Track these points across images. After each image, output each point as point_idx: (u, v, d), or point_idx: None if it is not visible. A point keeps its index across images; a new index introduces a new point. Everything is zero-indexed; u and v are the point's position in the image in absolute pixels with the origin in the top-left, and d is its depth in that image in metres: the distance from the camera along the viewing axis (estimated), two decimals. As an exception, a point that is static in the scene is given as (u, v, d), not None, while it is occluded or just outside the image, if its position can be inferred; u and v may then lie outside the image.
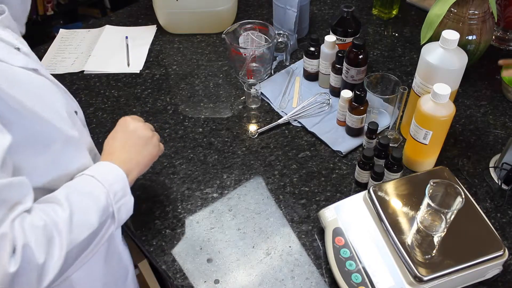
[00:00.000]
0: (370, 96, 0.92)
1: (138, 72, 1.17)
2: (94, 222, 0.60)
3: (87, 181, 0.63)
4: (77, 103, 0.76)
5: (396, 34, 1.26)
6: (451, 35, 0.80)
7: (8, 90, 0.55)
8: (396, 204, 0.74)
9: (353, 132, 0.96)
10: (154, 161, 0.76)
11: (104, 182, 0.63)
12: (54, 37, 1.32)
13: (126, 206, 0.66)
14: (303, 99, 1.05)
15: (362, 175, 0.85)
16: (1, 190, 0.51)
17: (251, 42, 1.11)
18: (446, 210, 0.68)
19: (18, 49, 0.65)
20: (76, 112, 0.73)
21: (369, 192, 0.76)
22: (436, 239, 0.70)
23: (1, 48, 0.61)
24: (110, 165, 0.67)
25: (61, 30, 1.34)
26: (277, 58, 1.18)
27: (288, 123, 1.01)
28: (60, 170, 0.64)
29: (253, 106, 1.06)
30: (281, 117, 1.02)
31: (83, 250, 0.59)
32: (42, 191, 0.61)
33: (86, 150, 0.70)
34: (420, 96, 0.84)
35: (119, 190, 0.65)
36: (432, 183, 0.69)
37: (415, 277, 0.66)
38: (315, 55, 1.05)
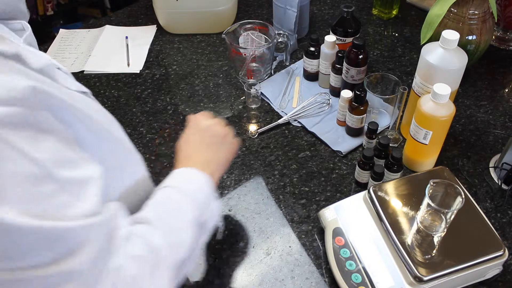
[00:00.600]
0: (370, 96, 0.92)
1: (138, 72, 1.17)
2: (188, 239, 0.55)
3: (173, 196, 0.58)
4: None
5: (396, 34, 1.26)
6: (451, 35, 0.80)
7: (83, 120, 0.48)
8: (396, 204, 0.74)
9: (353, 132, 0.96)
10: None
11: (189, 193, 0.58)
12: (54, 37, 1.32)
13: (213, 213, 0.61)
14: (303, 99, 1.05)
15: (362, 175, 0.85)
16: (106, 223, 0.45)
17: (251, 42, 1.11)
18: (446, 210, 0.68)
19: (59, 68, 0.56)
20: None
21: (369, 192, 0.76)
22: (436, 239, 0.70)
23: (55, 71, 0.52)
24: (191, 172, 0.61)
25: (61, 30, 1.34)
26: (277, 58, 1.18)
27: (288, 123, 1.01)
28: (130, 192, 0.59)
29: (253, 106, 1.06)
30: (281, 117, 1.02)
31: (179, 269, 0.54)
32: None
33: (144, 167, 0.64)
34: (420, 96, 0.84)
35: (204, 198, 0.59)
36: (432, 183, 0.69)
37: (415, 277, 0.66)
38: (315, 55, 1.05)
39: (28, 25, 0.58)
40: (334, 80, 1.03)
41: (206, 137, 0.68)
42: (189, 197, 0.58)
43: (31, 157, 0.38)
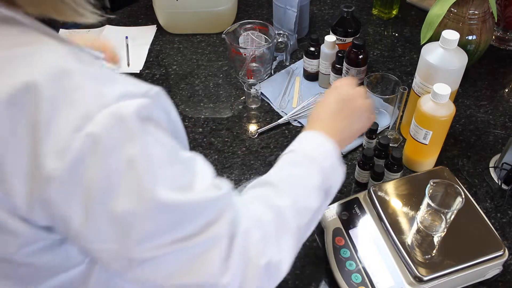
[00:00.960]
0: (370, 96, 0.92)
1: (138, 72, 1.17)
2: (313, 204, 0.56)
3: (299, 160, 0.58)
4: None
5: (396, 34, 1.26)
6: (451, 35, 0.80)
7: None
8: (396, 204, 0.74)
9: (353, 132, 0.96)
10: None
11: (316, 159, 0.58)
12: (54, 37, 1.32)
13: (337, 180, 0.61)
14: (303, 99, 1.05)
15: (362, 175, 0.85)
16: (230, 191, 0.48)
17: (251, 42, 1.11)
18: (446, 210, 0.68)
19: None
20: None
21: (369, 192, 0.76)
22: (436, 239, 0.70)
23: None
24: (319, 137, 0.61)
25: (61, 30, 1.34)
26: (277, 58, 1.18)
27: (288, 123, 1.01)
28: None
29: (253, 106, 1.06)
30: (281, 117, 1.02)
31: (303, 234, 0.55)
32: None
33: None
34: (420, 96, 0.84)
35: (330, 164, 0.59)
36: (432, 183, 0.69)
37: (415, 277, 0.66)
38: (315, 55, 1.05)
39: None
40: (334, 80, 1.03)
41: (346, 107, 0.66)
42: (316, 163, 0.58)
43: (163, 142, 0.42)
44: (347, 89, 0.68)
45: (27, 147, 0.36)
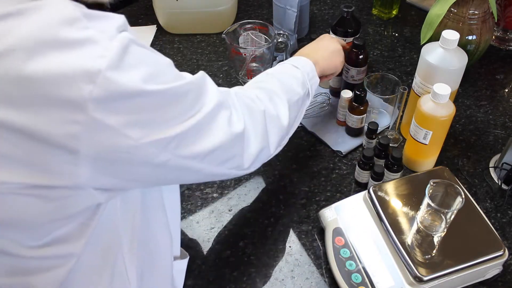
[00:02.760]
0: (370, 96, 0.92)
1: (138, 72, 1.17)
2: (299, 91, 0.73)
3: (284, 66, 0.77)
4: None
5: (396, 34, 1.26)
6: (451, 35, 0.80)
7: None
8: (396, 204, 0.74)
9: (353, 132, 0.96)
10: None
11: (298, 65, 0.77)
12: (54, 37, 1.32)
13: (314, 84, 0.79)
14: (303, 99, 1.05)
15: (362, 175, 0.85)
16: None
17: (251, 42, 1.11)
18: (446, 210, 0.68)
19: None
20: None
21: (369, 192, 0.76)
22: (436, 239, 0.70)
23: None
24: (299, 57, 0.81)
25: (61, 30, 1.34)
26: (277, 58, 1.17)
27: (288, 123, 1.01)
28: None
29: (253, 106, 1.06)
30: (281, 117, 1.02)
31: (295, 116, 0.73)
32: None
33: None
34: (420, 96, 0.84)
35: (310, 71, 0.78)
36: (432, 183, 0.69)
37: (415, 277, 0.66)
38: (315, 55, 1.05)
39: None
40: (334, 80, 1.03)
41: (322, 47, 0.87)
42: (299, 69, 0.76)
43: (157, 56, 0.51)
44: (327, 39, 0.90)
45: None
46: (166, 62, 0.51)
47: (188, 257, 0.74)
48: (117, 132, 0.43)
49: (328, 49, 0.87)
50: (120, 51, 0.43)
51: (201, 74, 0.56)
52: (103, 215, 0.50)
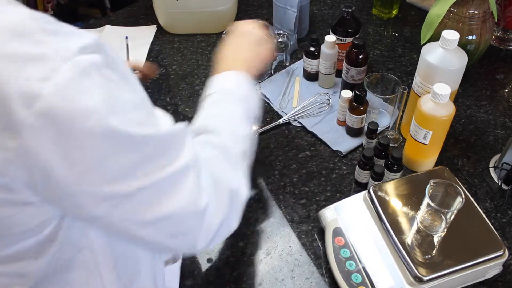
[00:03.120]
0: (370, 96, 0.92)
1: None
2: (247, 131, 0.64)
3: (219, 98, 0.66)
4: None
5: (396, 34, 1.26)
6: (451, 35, 0.80)
7: None
8: (396, 204, 0.74)
9: (353, 132, 0.96)
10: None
11: (232, 91, 0.66)
12: (54, 37, 1.32)
13: (255, 103, 0.69)
14: (303, 99, 1.05)
15: (362, 175, 0.85)
16: (187, 129, 0.52)
17: (251, 42, 1.11)
18: (446, 210, 0.68)
19: None
20: None
21: (369, 192, 0.76)
22: (436, 239, 0.70)
23: None
24: (229, 73, 0.69)
25: (61, 30, 1.34)
26: (277, 58, 1.17)
27: (288, 123, 1.01)
28: None
29: (253, 106, 1.06)
30: (281, 117, 1.02)
31: (247, 159, 0.63)
32: None
33: None
34: (420, 96, 0.84)
35: (246, 92, 0.67)
36: (432, 183, 0.69)
37: (415, 277, 0.66)
38: (315, 55, 1.05)
39: None
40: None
41: (243, 40, 0.75)
42: (233, 95, 0.66)
43: (123, 87, 0.43)
44: (242, 26, 0.77)
45: None
46: (136, 98, 0.44)
47: (181, 260, 0.73)
48: (51, 168, 0.38)
49: (251, 42, 0.75)
50: (73, 75, 0.37)
51: (181, 127, 0.49)
52: (70, 232, 0.46)
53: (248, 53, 0.73)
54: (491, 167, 0.90)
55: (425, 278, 0.65)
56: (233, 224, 0.57)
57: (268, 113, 1.04)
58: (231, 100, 0.65)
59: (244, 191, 0.58)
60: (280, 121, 1.00)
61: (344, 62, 0.99)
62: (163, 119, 0.49)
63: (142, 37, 1.28)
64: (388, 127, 0.96)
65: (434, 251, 0.68)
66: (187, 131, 0.51)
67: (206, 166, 0.52)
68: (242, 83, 0.68)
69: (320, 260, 0.77)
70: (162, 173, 0.44)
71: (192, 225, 0.49)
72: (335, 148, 0.94)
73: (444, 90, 0.76)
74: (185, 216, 0.48)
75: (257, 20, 0.79)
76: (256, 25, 0.77)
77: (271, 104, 1.06)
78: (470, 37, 0.99)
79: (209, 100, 0.66)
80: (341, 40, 1.05)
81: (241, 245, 0.80)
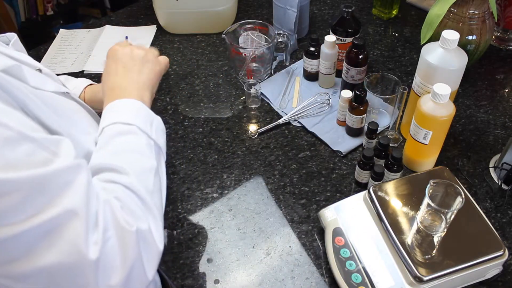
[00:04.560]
0: (370, 96, 0.92)
1: (138, 72, 1.17)
2: (152, 162, 0.58)
3: (116, 131, 0.58)
4: None
5: (396, 34, 1.26)
6: (451, 35, 0.80)
7: (49, 115, 0.53)
8: (396, 204, 0.74)
9: (353, 132, 0.96)
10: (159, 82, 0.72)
11: (130, 121, 0.59)
12: (54, 37, 1.32)
13: (159, 129, 0.63)
14: (303, 99, 1.05)
15: (362, 175, 0.85)
16: (85, 166, 0.48)
17: (251, 42, 1.11)
18: (446, 210, 0.68)
19: (40, 70, 0.63)
20: None
21: (369, 192, 0.76)
22: (436, 239, 0.70)
23: (30, 73, 0.57)
24: (118, 102, 0.62)
25: (61, 30, 1.34)
26: (277, 58, 1.18)
27: (288, 123, 1.01)
28: None
29: (253, 106, 1.06)
30: (281, 117, 1.02)
31: (158, 193, 0.57)
32: None
33: None
34: (420, 96, 0.84)
35: (143, 120, 0.60)
36: (432, 183, 0.69)
37: (415, 277, 0.66)
38: (315, 55, 1.05)
39: (13, 34, 0.64)
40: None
41: (126, 63, 0.67)
42: (130, 126, 0.58)
43: (3, 124, 0.41)
44: (119, 50, 0.69)
45: None
46: (6, 135, 0.41)
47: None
48: None
49: (136, 63, 0.67)
50: None
51: (69, 165, 0.45)
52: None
53: (135, 75, 0.66)
54: (491, 167, 0.90)
55: (425, 278, 0.65)
56: (147, 275, 0.50)
57: (268, 113, 1.04)
58: (128, 132, 0.58)
59: (157, 236, 0.52)
60: (280, 121, 1.00)
61: (344, 62, 0.99)
62: (60, 154, 0.45)
63: (142, 37, 1.28)
64: (388, 127, 0.96)
65: (434, 251, 0.68)
66: (80, 169, 0.46)
67: (107, 208, 0.47)
68: (136, 111, 0.61)
69: (320, 260, 0.77)
70: (34, 221, 0.40)
71: (82, 280, 0.43)
72: (335, 148, 0.94)
73: (444, 90, 0.76)
74: (69, 269, 0.42)
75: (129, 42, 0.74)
76: (135, 46, 0.71)
77: (271, 104, 1.06)
78: (470, 37, 0.99)
79: (107, 133, 0.58)
80: (341, 40, 1.05)
81: (241, 245, 0.80)
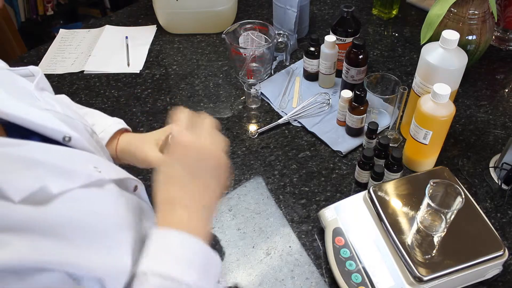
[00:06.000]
0: (370, 96, 0.92)
1: (138, 72, 1.17)
2: None
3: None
4: None
5: (396, 34, 1.26)
6: (451, 35, 0.80)
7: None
8: (396, 204, 0.74)
9: (353, 132, 0.96)
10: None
11: (184, 279, 0.43)
12: (54, 37, 1.32)
13: (217, 272, 0.49)
14: (303, 99, 1.05)
15: (362, 175, 0.85)
16: None
17: (251, 42, 1.11)
18: (446, 210, 0.68)
19: (70, 138, 0.47)
20: None
21: (369, 192, 0.76)
22: (436, 239, 0.70)
23: (49, 171, 0.41)
24: (182, 244, 0.46)
25: (61, 30, 1.34)
26: (277, 58, 1.18)
27: (288, 123, 1.01)
28: None
29: (253, 106, 1.06)
30: (281, 117, 1.02)
31: None
32: None
33: None
34: (420, 96, 0.84)
35: (204, 267, 0.46)
36: (432, 183, 0.69)
37: (415, 277, 0.66)
38: (315, 55, 1.05)
39: (38, 69, 0.53)
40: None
41: (198, 165, 0.51)
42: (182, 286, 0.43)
43: None
44: (194, 141, 0.51)
45: None
46: None
47: None
48: None
49: (207, 174, 0.51)
50: None
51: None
52: None
53: (203, 185, 0.50)
54: (491, 167, 0.90)
55: (425, 278, 0.65)
56: None
57: (268, 113, 1.04)
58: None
59: None
60: (280, 121, 1.00)
61: (344, 62, 0.99)
62: None
63: (142, 37, 1.28)
64: (388, 127, 0.96)
65: (434, 251, 0.68)
66: None
67: None
68: (205, 265, 0.47)
69: (320, 260, 0.77)
70: None
71: None
72: (335, 148, 0.94)
73: (444, 90, 0.76)
74: None
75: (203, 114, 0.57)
76: (213, 138, 0.53)
77: (271, 104, 1.06)
78: (470, 37, 0.99)
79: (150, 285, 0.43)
80: (341, 40, 1.05)
81: (241, 245, 0.80)
